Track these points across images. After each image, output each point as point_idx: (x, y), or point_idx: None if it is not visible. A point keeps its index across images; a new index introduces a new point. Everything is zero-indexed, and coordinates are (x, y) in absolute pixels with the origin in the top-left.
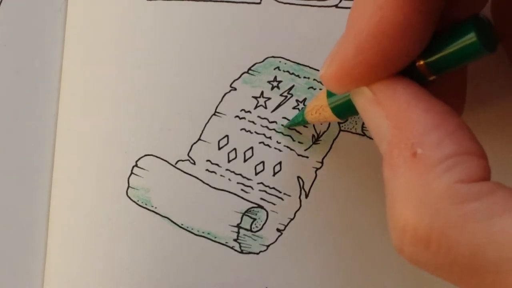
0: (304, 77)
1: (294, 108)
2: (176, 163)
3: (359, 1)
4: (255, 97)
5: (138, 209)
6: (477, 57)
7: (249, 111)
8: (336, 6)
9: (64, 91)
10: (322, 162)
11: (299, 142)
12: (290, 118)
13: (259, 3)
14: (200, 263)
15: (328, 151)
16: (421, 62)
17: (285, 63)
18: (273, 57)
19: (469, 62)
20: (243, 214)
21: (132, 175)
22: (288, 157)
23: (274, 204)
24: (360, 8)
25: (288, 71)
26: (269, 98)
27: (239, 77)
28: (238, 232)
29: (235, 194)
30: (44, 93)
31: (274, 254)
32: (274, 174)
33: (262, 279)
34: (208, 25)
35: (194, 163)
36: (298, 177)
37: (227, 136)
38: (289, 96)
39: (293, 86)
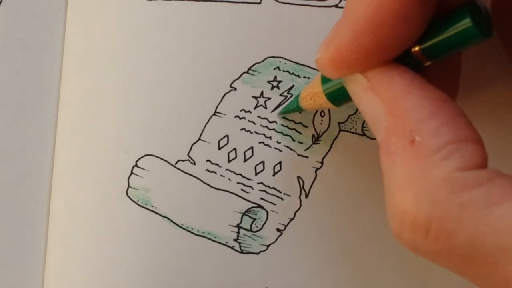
0: (304, 77)
1: None
2: (176, 163)
3: None
4: (255, 97)
5: (138, 209)
6: (473, 42)
7: (249, 111)
8: (336, 6)
9: (64, 91)
10: (322, 162)
11: (299, 142)
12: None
13: (259, 3)
14: (200, 263)
15: (328, 151)
16: (417, 48)
17: (285, 63)
18: (273, 57)
19: (464, 47)
20: (243, 214)
21: (132, 175)
22: (288, 157)
23: (274, 204)
24: None
25: (288, 71)
26: (269, 98)
27: (239, 77)
28: (238, 232)
29: (235, 194)
30: (44, 93)
31: (274, 254)
32: (274, 174)
33: (262, 279)
34: (208, 25)
35: (194, 163)
36: (298, 177)
37: (227, 136)
38: (289, 96)
39: (293, 86)
